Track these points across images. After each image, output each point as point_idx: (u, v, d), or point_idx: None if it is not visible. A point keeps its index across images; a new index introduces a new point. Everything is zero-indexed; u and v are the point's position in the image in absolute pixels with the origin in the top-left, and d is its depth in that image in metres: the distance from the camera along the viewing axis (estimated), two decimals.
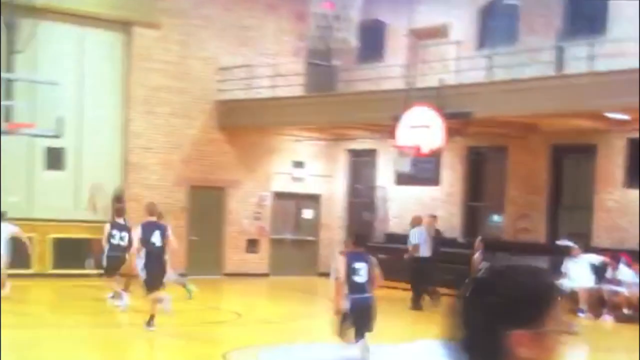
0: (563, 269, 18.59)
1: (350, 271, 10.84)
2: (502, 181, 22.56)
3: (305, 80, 25.41)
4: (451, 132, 19.50)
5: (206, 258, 24.02)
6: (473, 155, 23.38)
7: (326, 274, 25.29)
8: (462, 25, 23.28)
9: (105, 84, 23.15)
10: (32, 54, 21.16)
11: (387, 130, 21.01)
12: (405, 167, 21.71)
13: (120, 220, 17.52)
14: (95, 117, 22.86)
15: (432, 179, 23.14)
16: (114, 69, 23.32)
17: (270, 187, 25.44)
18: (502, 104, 18.74)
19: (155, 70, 23.54)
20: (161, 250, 14.46)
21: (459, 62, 21.62)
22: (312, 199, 26.34)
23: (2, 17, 19.48)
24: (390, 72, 23.61)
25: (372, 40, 24.61)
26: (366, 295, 10.90)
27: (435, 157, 21.92)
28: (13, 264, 18.24)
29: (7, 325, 12.53)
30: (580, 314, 17.92)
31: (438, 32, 23.57)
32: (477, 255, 16.17)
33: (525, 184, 21.90)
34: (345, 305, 10.78)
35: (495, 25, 22.90)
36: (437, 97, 19.47)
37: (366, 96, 22.01)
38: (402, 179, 23.51)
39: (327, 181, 26.49)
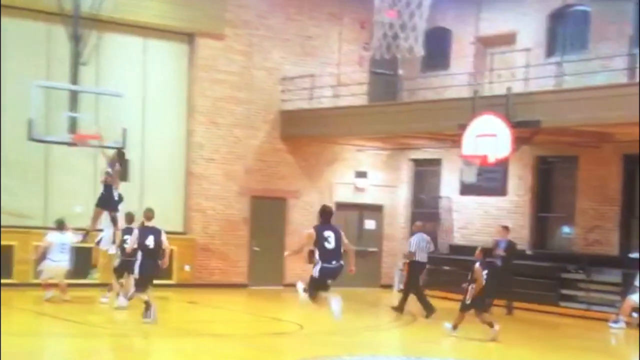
0: (636, 282, 18.04)
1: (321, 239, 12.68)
2: (572, 192, 22.01)
3: (369, 90, 25.17)
4: (519, 141, 19.08)
5: (267, 268, 23.87)
6: (542, 165, 22.88)
7: (389, 286, 25.06)
8: (531, 32, 22.84)
9: (168, 95, 23.20)
10: (96, 65, 21.28)
11: (453, 139, 20.66)
12: (471, 177, 21.33)
13: (132, 226, 17.73)
14: (159, 128, 22.93)
15: (499, 189, 22.69)
16: (178, 80, 23.36)
17: (333, 197, 25.22)
18: (572, 113, 18.24)
19: (219, 80, 23.52)
20: (155, 253, 15.80)
21: (527, 69, 21.16)
22: (375, 210, 26.04)
23: (67, 29, 19.58)
24: (455, 80, 23.28)
25: (438, 49, 24.27)
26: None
27: (502, 166, 21.49)
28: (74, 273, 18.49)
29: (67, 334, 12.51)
30: None
31: (506, 40, 23.16)
32: (477, 266, 15.96)
33: (597, 194, 21.33)
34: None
35: (565, 32, 22.43)
36: (504, 105, 19.06)
37: (431, 105, 21.67)
38: (468, 189, 23.11)
39: (390, 191, 26.18)
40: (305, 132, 24.11)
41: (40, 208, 21.08)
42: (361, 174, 25.74)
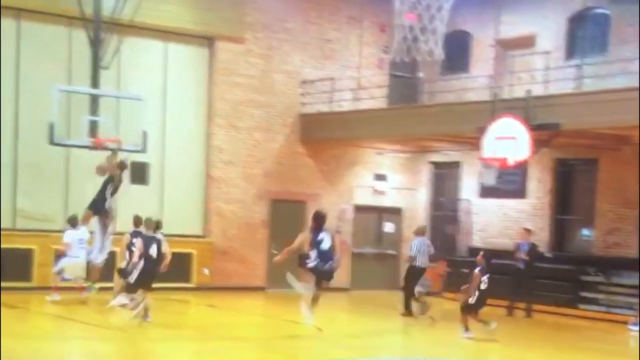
0: None
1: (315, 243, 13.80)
2: (592, 194, 21.93)
3: (389, 93, 25.18)
4: (538, 144, 19.04)
5: (286, 271, 23.79)
6: (561, 168, 22.81)
7: None
8: (551, 35, 22.79)
9: (188, 98, 23.29)
10: (117, 69, 21.39)
11: (472, 142, 20.64)
12: (491, 179, 21.31)
13: (141, 229, 17.81)
14: (179, 132, 23.01)
15: (518, 192, 22.68)
16: (197, 83, 23.44)
17: (352, 200, 25.24)
18: (591, 115, 18.19)
19: (239, 84, 23.60)
20: (157, 261, 16.28)
21: (547, 72, 21.12)
22: (394, 212, 26.03)
23: (88, 33, 19.70)
24: (475, 83, 23.27)
25: (457, 51, 24.26)
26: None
27: (521, 169, 21.46)
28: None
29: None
30: None
31: (525, 42, 23.10)
32: (476, 271, 16.09)
33: (617, 197, 21.23)
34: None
35: (585, 35, 22.36)
36: (524, 108, 19.04)
37: (451, 108, 21.65)
38: (487, 192, 23.10)
39: (410, 194, 26.17)
40: (324, 135, 24.14)
41: (60, 211, 21.19)
42: (380, 177, 25.75)
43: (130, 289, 16.57)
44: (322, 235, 13.94)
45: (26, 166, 21.01)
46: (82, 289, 18.66)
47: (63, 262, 18.78)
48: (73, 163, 21.33)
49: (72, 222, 18.88)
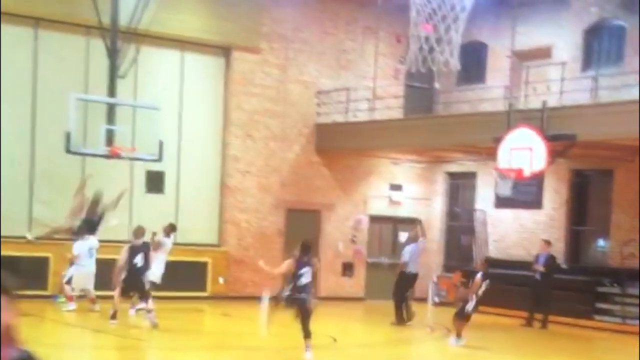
0: None
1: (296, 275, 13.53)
2: (607, 205, 21.87)
3: (404, 103, 25.18)
4: (554, 155, 19.00)
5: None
6: (577, 178, 22.76)
7: (423, 299, 24.96)
8: (567, 46, 22.77)
9: (204, 108, 23.37)
10: (134, 78, 21.49)
11: (488, 152, 20.61)
12: (506, 190, 21.26)
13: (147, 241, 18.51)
14: (195, 141, 23.08)
15: (534, 202, 22.62)
16: (214, 93, 23.52)
17: (367, 210, 25.24)
18: (607, 126, 18.16)
19: (255, 94, 23.66)
20: (141, 269, 16.88)
21: (563, 83, 21.09)
22: (410, 223, 25.95)
23: (105, 43, 19.81)
24: (491, 93, 23.25)
25: (473, 62, 24.27)
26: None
27: (537, 180, 21.41)
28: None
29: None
30: None
31: (541, 53, 23.09)
32: (478, 277, 16.11)
33: (632, 208, 21.15)
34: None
35: (601, 46, 22.35)
36: (540, 118, 19.01)
37: (467, 118, 21.65)
38: (503, 202, 23.04)
39: (425, 204, 26.14)
40: (340, 145, 24.17)
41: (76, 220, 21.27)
42: (396, 187, 25.73)
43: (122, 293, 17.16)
44: (304, 270, 13.60)
45: (43, 175, 21.11)
46: (93, 300, 18.64)
47: (71, 272, 18.85)
48: (89, 171, 21.38)
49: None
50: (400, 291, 19.60)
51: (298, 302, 13.52)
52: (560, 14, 23.06)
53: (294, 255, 13.86)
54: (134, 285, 16.92)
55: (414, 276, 19.65)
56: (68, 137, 17.89)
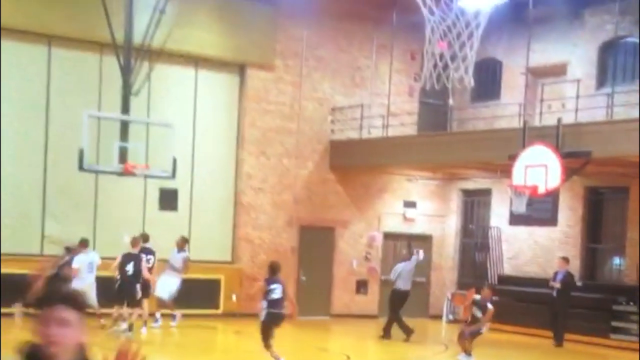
0: None
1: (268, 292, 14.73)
2: (623, 222, 21.71)
3: (418, 120, 25.11)
4: (569, 172, 18.90)
5: (315, 298, 23.82)
6: (592, 196, 22.62)
7: (437, 316, 24.85)
8: (582, 63, 22.67)
9: (218, 125, 23.37)
10: (147, 96, 21.52)
11: (502, 169, 20.51)
12: (521, 207, 21.13)
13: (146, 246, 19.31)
14: (208, 158, 23.07)
15: (549, 220, 22.44)
16: (228, 110, 23.52)
17: (381, 227, 25.15)
18: (622, 144, 18.04)
19: (269, 111, 23.65)
20: (133, 277, 17.87)
21: (578, 100, 20.98)
22: (424, 240, 25.89)
23: (119, 60, 19.85)
24: (506, 110, 23.16)
25: (488, 79, 24.21)
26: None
27: (552, 197, 21.26)
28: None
29: None
30: None
31: (556, 71, 22.99)
32: (490, 307, 16.43)
33: None
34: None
35: (616, 63, 22.25)
36: (554, 136, 18.91)
37: (481, 135, 21.57)
38: (517, 219, 22.87)
39: (439, 221, 26.03)
40: (354, 162, 24.12)
41: (89, 237, 21.25)
42: (410, 204, 25.64)
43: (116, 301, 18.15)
44: (274, 286, 14.84)
45: (55, 192, 21.13)
46: (100, 315, 18.58)
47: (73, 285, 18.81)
48: (102, 188, 21.44)
49: (84, 245, 18.89)
50: (394, 309, 19.88)
51: (272, 315, 14.78)
52: (575, 31, 22.98)
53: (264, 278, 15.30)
54: (126, 291, 17.83)
55: (405, 293, 19.84)
56: (81, 154, 17.89)
